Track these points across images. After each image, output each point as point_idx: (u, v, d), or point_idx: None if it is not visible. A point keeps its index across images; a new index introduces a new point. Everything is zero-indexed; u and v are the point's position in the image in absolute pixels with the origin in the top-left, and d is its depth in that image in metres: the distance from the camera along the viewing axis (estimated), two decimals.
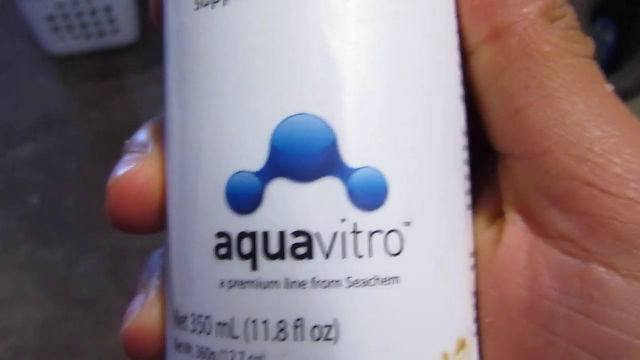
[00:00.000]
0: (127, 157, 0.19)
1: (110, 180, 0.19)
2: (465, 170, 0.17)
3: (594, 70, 0.16)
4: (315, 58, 0.15)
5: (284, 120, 0.15)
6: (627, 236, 0.15)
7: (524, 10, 0.16)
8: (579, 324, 0.15)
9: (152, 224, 0.19)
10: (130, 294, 0.20)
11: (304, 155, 0.15)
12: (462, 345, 0.16)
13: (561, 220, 0.16)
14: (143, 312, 0.19)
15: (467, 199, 0.17)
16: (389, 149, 0.15)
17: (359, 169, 0.15)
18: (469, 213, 0.17)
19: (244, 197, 0.15)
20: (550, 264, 0.16)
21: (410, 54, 0.16)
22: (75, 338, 0.67)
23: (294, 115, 0.15)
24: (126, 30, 0.94)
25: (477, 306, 0.17)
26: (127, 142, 0.20)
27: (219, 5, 0.16)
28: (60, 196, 0.79)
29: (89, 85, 0.91)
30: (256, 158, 0.15)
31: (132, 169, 0.18)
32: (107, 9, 0.91)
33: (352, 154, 0.15)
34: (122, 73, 0.93)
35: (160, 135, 0.19)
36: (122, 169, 0.19)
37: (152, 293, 0.19)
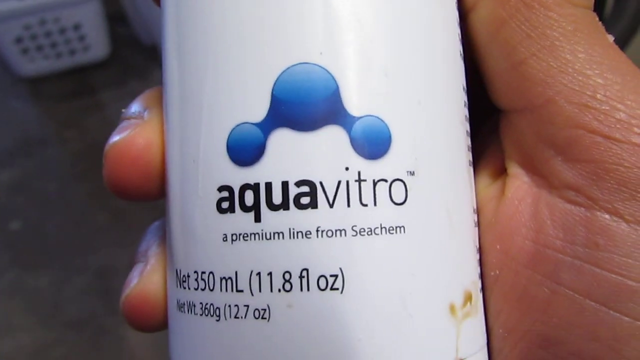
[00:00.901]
0: (124, 124, 0.19)
1: (108, 146, 0.18)
2: (466, 126, 0.17)
3: (594, 20, 0.16)
4: (317, 7, 0.15)
5: (286, 69, 0.15)
6: (632, 181, 0.15)
7: None
8: (585, 272, 0.15)
9: (152, 190, 0.18)
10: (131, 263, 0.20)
11: (306, 104, 0.15)
12: (468, 298, 0.16)
13: (565, 169, 0.16)
14: (144, 279, 0.19)
15: (469, 155, 0.17)
16: (392, 98, 0.15)
17: (361, 117, 0.15)
18: (471, 169, 0.17)
19: (246, 148, 0.15)
20: (555, 214, 0.16)
21: (412, 6, 0.16)
22: None
23: (296, 64, 0.15)
24: (97, 46, 0.93)
25: (482, 262, 0.17)
26: (123, 111, 0.19)
27: None
28: (42, 219, 0.78)
29: (63, 105, 0.91)
30: (258, 109, 0.15)
31: (130, 133, 0.18)
32: (76, 27, 0.90)
33: (354, 103, 0.15)
34: (96, 90, 0.92)
35: (157, 102, 0.19)
36: (119, 135, 0.18)
37: (152, 260, 0.19)
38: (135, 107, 0.19)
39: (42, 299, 0.71)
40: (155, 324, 0.19)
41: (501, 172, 0.18)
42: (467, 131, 0.17)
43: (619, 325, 0.15)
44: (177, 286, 0.17)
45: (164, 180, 0.18)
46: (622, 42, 0.52)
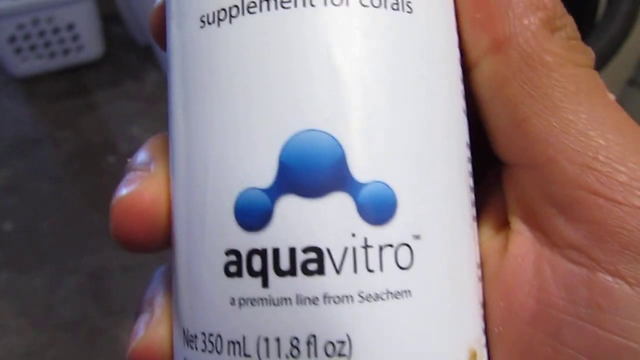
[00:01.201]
0: (130, 175, 0.19)
1: (115, 200, 0.18)
2: (470, 181, 0.17)
3: (596, 80, 0.16)
4: (323, 75, 0.15)
5: (293, 136, 0.15)
6: (634, 244, 0.15)
7: (525, 21, 0.16)
8: (587, 332, 0.15)
9: (159, 243, 0.18)
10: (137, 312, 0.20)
11: (313, 171, 0.15)
12: (473, 356, 0.16)
13: (568, 228, 0.16)
14: (149, 332, 0.18)
15: (473, 211, 0.17)
16: (397, 162, 0.15)
17: (368, 183, 0.15)
18: (474, 225, 0.17)
19: (254, 213, 0.15)
20: (557, 273, 0.16)
21: (414, 69, 0.16)
22: None
23: (302, 131, 0.15)
24: (91, 46, 0.93)
25: (485, 317, 0.17)
26: (129, 160, 0.20)
27: (225, 23, 0.16)
28: (35, 220, 0.78)
29: (56, 105, 0.90)
30: (265, 174, 0.15)
31: (137, 187, 0.18)
32: (70, 27, 0.90)
33: (360, 169, 0.15)
34: (89, 90, 0.92)
35: (163, 153, 0.19)
36: (126, 188, 0.18)
37: (158, 311, 0.19)
38: (141, 157, 0.19)
39: (35, 300, 0.71)
40: None
41: (504, 224, 0.18)
42: (470, 187, 0.17)
43: None
44: (184, 345, 0.17)
45: (170, 232, 0.18)
46: (614, 46, 0.52)
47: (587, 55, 0.16)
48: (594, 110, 0.16)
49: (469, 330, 0.16)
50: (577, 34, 0.16)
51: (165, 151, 0.18)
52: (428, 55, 0.16)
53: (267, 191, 0.15)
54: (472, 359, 0.16)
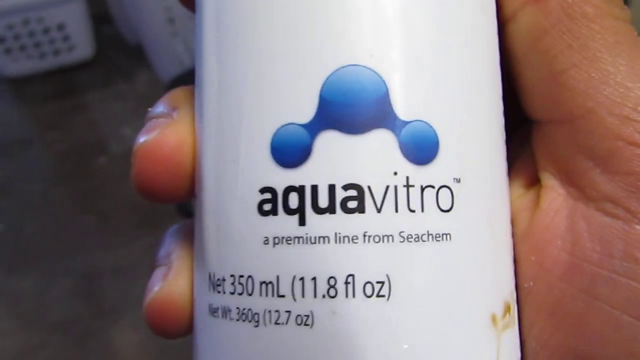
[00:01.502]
0: (151, 123, 0.18)
1: (137, 145, 0.18)
2: (504, 134, 0.17)
3: (634, 34, 0.16)
4: (368, 9, 0.15)
5: (335, 71, 0.15)
6: None
7: None
8: (622, 286, 0.15)
9: (181, 191, 0.18)
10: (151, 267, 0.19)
11: (355, 106, 0.14)
12: (508, 309, 0.16)
13: (604, 181, 0.16)
14: (168, 283, 0.18)
15: (506, 165, 0.17)
16: (440, 104, 0.15)
17: (410, 122, 0.15)
18: (507, 179, 0.17)
19: (292, 150, 0.15)
20: (592, 227, 0.16)
21: (458, 14, 0.16)
22: None
23: (345, 66, 0.15)
24: (82, 47, 0.93)
25: (516, 273, 0.17)
26: (149, 110, 0.19)
27: None
28: (25, 221, 0.77)
29: (47, 105, 0.90)
30: (305, 110, 0.15)
31: (161, 132, 0.17)
32: (61, 27, 0.89)
33: (404, 107, 0.15)
34: (80, 91, 0.91)
35: (186, 101, 0.18)
36: (147, 135, 0.18)
37: (177, 263, 0.18)
38: (162, 107, 0.19)
39: (26, 301, 0.70)
40: (180, 329, 0.18)
41: (534, 182, 0.18)
42: (505, 140, 0.17)
43: None
44: (209, 290, 0.16)
45: (193, 181, 0.17)
46: None
47: (624, 9, 0.16)
48: (633, 62, 0.16)
49: (505, 282, 0.16)
50: None
51: (188, 100, 0.18)
52: (470, 3, 0.16)
53: (306, 126, 0.15)
54: (507, 311, 0.16)
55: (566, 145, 0.16)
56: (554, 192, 0.17)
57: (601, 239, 0.16)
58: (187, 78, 0.18)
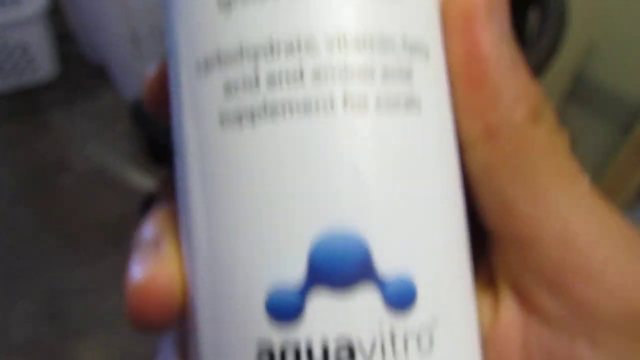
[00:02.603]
0: (140, 255, 0.19)
1: (129, 284, 0.18)
2: (469, 257, 0.18)
3: (575, 167, 0.18)
4: (346, 177, 0.16)
5: (320, 233, 0.16)
6: (609, 322, 0.17)
7: (513, 112, 0.17)
8: None
9: (174, 319, 0.19)
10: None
11: (341, 266, 0.16)
12: None
13: (549, 301, 0.17)
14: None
15: (474, 289, 0.19)
16: (420, 254, 0.16)
17: (391, 274, 0.16)
18: (476, 306, 0.19)
19: (285, 308, 0.16)
20: (542, 344, 0.18)
21: (426, 165, 0.17)
22: None
23: (329, 229, 0.16)
24: (45, 66, 0.92)
25: None
26: (134, 239, 0.20)
27: (247, 126, 0.16)
28: None
29: (11, 125, 0.89)
30: (295, 270, 0.16)
31: (151, 270, 0.18)
32: (25, 50, 0.89)
33: (384, 262, 0.16)
34: (44, 110, 0.91)
35: (171, 230, 0.19)
36: (138, 271, 0.18)
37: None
38: (148, 233, 0.19)
39: None
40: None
41: (492, 284, 0.19)
42: (470, 257, 0.18)
43: None
44: None
45: (185, 308, 0.18)
46: (543, 63, 0.54)
47: (564, 138, 0.18)
48: (573, 196, 0.17)
49: None
50: (556, 120, 0.18)
51: (173, 228, 0.19)
52: (437, 150, 0.17)
53: (298, 286, 0.16)
54: None
55: (517, 262, 0.18)
56: (509, 300, 0.19)
57: (549, 357, 0.17)
58: None
